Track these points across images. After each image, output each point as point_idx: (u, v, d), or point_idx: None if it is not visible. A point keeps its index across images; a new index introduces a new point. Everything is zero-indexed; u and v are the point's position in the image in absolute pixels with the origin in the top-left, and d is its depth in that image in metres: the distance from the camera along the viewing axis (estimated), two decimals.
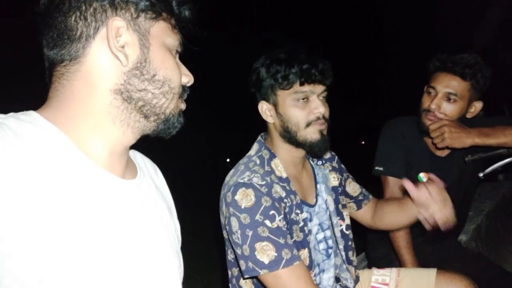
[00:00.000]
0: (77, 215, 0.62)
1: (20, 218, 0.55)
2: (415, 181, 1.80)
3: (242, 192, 1.13)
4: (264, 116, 1.31)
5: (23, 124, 0.62)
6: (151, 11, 0.71)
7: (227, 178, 1.24)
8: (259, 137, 1.38)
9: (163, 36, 0.74)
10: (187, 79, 0.81)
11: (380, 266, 1.92)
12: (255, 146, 1.34)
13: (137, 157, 0.89)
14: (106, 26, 0.67)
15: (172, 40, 0.76)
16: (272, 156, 1.30)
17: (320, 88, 1.24)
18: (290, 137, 1.26)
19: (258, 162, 1.26)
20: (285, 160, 1.31)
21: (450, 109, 1.62)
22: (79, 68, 0.68)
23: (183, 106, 0.81)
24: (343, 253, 1.39)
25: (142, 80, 0.71)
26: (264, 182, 1.16)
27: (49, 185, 0.60)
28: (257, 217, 1.11)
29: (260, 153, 1.30)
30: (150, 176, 0.87)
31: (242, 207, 1.12)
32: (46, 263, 0.57)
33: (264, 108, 1.30)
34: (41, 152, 0.61)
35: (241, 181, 1.15)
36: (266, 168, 1.25)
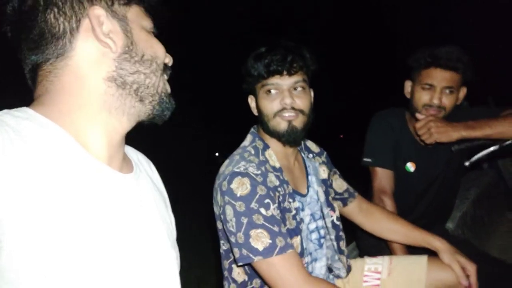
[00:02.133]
0: (78, 210, 0.62)
1: (23, 213, 0.56)
2: (403, 171, 1.85)
3: (238, 181, 1.15)
4: (252, 109, 1.37)
5: (20, 120, 0.62)
6: None
7: (222, 168, 1.25)
8: (252, 129, 1.40)
9: (139, 19, 0.76)
10: (169, 58, 0.83)
11: (371, 255, 1.96)
12: (249, 137, 1.37)
13: (130, 151, 0.89)
14: (87, 17, 0.68)
15: (147, 22, 0.78)
16: (266, 146, 1.32)
17: (288, 80, 1.26)
18: (264, 128, 1.31)
19: (252, 152, 1.28)
20: (276, 151, 1.33)
21: (449, 101, 1.69)
22: (68, 63, 0.68)
23: (168, 87, 0.83)
24: (335, 243, 1.42)
25: (133, 62, 0.72)
26: (259, 172, 1.18)
27: (51, 181, 0.60)
28: (252, 204, 1.12)
29: (254, 143, 1.32)
30: (145, 170, 0.88)
31: (238, 195, 1.13)
32: (49, 258, 0.57)
33: (250, 101, 1.37)
34: (41, 148, 0.61)
35: (237, 170, 1.17)
36: (261, 157, 1.27)
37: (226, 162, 1.27)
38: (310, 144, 1.55)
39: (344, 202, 1.60)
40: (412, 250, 1.73)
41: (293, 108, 1.25)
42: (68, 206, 0.61)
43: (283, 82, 1.26)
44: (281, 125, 1.27)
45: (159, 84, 0.78)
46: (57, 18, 0.66)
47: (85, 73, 0.69)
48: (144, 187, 0.81)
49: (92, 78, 0.69)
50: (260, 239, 1.10)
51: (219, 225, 1.28)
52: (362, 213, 1.62)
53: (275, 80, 1.26)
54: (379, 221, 1.59)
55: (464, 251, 1.52)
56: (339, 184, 1.59)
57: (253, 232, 1.11)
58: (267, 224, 1.12)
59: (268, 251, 1.09)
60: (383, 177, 1.81)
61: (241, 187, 1.14)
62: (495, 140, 1.60)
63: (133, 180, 0.78)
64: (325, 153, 1.58)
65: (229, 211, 1.14)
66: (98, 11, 0.69)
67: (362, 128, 1.98)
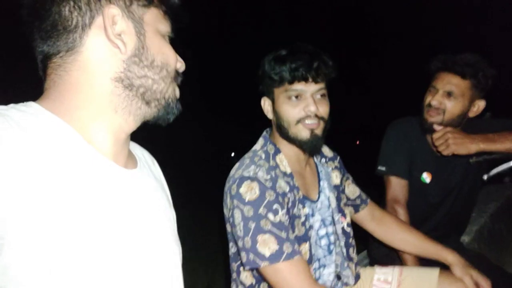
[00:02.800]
0: (83, 205, 0.62)
1: (27, 210, 0.55)
2: (418, 181, 1.82)
3: (247, 185, 1.15)
4: (265, 112, 1.35)
5: (26, 115, 0.62)
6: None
7: (232, 171, 1.26)
8: (264, 132, 1.40)
9: (156, 22, 0.75)
10: (180, 64, 0.82)
11: (382, 264, 1.94)
12: (260, 141, 1.36)
13: (135, 148, 0.90)
14: (102, 14, 0.67)
15: (164, 26, 0.78)
16: (277, 151, 1.31)
17: (313, 86, 1.24)
18: (283, 134, 1.29)
19: (263, 156, 1.28)
20: (289, 155, 1.32)
21: (450, 105, 1.65)
22: (77, 58, 0.68)
23: (177, 92, 0.82)
24: (344, 250, 1.40)
25: (141, 66, 0.72)
26: (269, 177, 1.18)
27: (55, 176, 0.60)
28: (261, 210, 1.12)
29: (265, 148, 1.32)
30: (149, 166, 0.89)
31: (246, 200, 1.13)
32: (54, 254, 0.57)
33: (266, 104, 1.35)
34: (46, 143, 0.61)
35: (246, 174, 1.17)
36: (271, 162, 1.27)
37: (237, 165, 1.28)
38: (324, 148, 1.54)
39: (356, 209, 1.58)
40: (424, 262, 1.70)
41: (316, 116, 1.24)
42: (73, 201, 0.61)
43: (308, 88, 1.24)
44: (302, 132, 1.25)
45: (167, 90, 0.78)
46: (71, 12, 0.66)
47: (93, 70, 0.68)
48: (148, 183, 0.82)
49: (99, 77, 0.69)
50: (267, 245, 1.10)
51: (228, 227, 1.29)
52: (374, 220, 1.60)
53: (300, 86, 1.23)
54: (391, 230, 1.57)
55: (478, 265, 1.49)
56: (352, 190, 1.57)
57: (260, 238, 1.11)
58: (274, 230, 1.12)
59: (274, 257, 1.09)
60: (397, 186, 1.78)
61: (249, 191, 1.14)
62: None
63: (137, 176, 0.78)
64: (338, 158, 1.57)
65: (237, 215, 1.15)
66: (113, 10, 0.68)
67: (379, 134, 1.96)
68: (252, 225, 1.12)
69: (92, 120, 0.69)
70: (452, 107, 1.65)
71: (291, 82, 1.23)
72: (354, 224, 1.60)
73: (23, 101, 0.67)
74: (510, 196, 3.49)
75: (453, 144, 1.54)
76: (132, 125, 0.76)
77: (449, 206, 1.84)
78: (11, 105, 0.64)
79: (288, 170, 1.29)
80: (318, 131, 1.26)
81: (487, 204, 3.18)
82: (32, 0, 0.68)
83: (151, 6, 0.74)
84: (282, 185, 1.21)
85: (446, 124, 1.67)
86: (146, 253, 0.73)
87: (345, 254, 1.41)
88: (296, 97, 1.24)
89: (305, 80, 1.22)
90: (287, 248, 1.11)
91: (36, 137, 0.60)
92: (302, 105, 1.24)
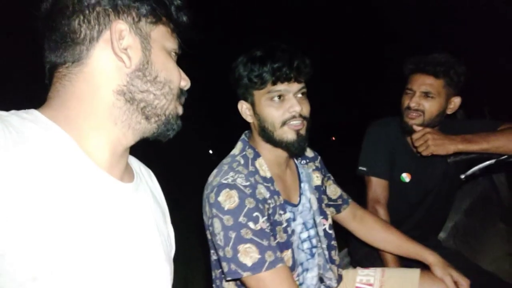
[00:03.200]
0: (73, 215, 0.62)
1: (16, 216, 0.56)
2: (398, 181, 1.84)
3: (225, 193, 1.12)
4: (244, 116, 1.30)
5: (26, 122, 0.63)
6: (151, 16, 0.74)
7: (210, 178, 1.22)
8: (243, 136, 1.36)
9: (163, 39, 0.77)
10: (185, 82, 0.83)
11: (363, 264, 1.94)
12: (239, 145, 1.33)
13: (133, 162, 0.90)
14: (109, 29, 0.69)
15: (171, 43, 0.79)
16: (257, 155, 1.28)
17: (295, 86, 1.21)
18: (267, 137, 1.25)
19: (242, 162, 1.24)
20: (269, 159, 1.29)
21: (428, 105, 1.69)
22: (82, 70, 0.69)
23: (180, 109, 0.83)
24: (326, 252, 1.39)
25: (144, 81, 0.73)
26: (248, 183, 1.15)
27: (48, 185, 0.60)
28: (241, 218, 1.09)
29: (244, 152, 1.28)
30: (146, 181, 0.89)
31: (225, 208, 1.10)
32: (40, 262, 0.57)
33: (244, 108, 1.29)
34: (43, 151, 0.62)
35: (225, 182, 1.14)
36: (250, 168, 1.23)
37: (215, 171, 1.24)
38: None
39: (338, 209, 1.58)
40: (405, 262, 1.72)
41: (300, 116, 1.21)
42: (62, 210, 0.61)
43: (291, 88, 1.20)
44: (288, 135, 1.22)
45: (168, 107, 0.78)
46: (80, 25, 0.68)
47: (97, 82, 0.70)
48: (142, 198, 0.82)
49: (102, 88, 0.70)
50: (248, 254, 1.07)
51: (208, 235, 1.25)
52: (355, 220, 1.60)
53: (283, 86, 1.19)
54: (372, 230, 1.57)
55: (456, 263, 1.51)
56: (333, 190, 1.56)
57: (241, 247, 1.08)
58: (255, 239, 1.09)
59: (257, 267, 1.07)
60: (377, 186, 1.80)
61: (228, 200, 1.11)
62: (492, 154, 1.59)
63: (132, 190, 0.78)
64: (319, 158, 1.55)
65: (217, 224, 1.11)
66: (121, 26, 0.70)
67: (356, 129, 1.97)
68: (233, 235, 1.08)
69: (91, 131, 0.70)
70: (431, 107, 1.68)
71: (274, 82, 1.19)
72: (334, 222, 1.59)
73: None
74: (482, 191, 3.60)
75: (432, 144, 1.57)
76: (130, 139, 0.76)
77: (428, 206, 1.87)
78: (13, 111, 0.65)
79: (268, 175, 1.26)
80: (303, 132, 1.24)
81: (461, 200, 3.26)
82: (46, 13, 0.70)
83: (159, 23, 0.76)
84: (262, 191, 1.18)
85: (427, 124, 1.69)
86: (133, 267, 0.72)
87: (327, 256, 1.40)
88: (279, 97, 1.21)
89: (288, 80, 1.19)
90: (269, 256, 1.08)
91: (34, 144, 0.61)
92: (286, 106, 1.21)
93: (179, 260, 1.00)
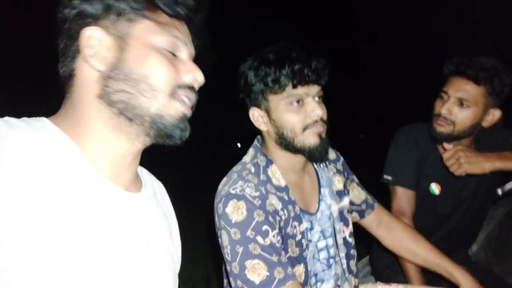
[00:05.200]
0: (71, 222, 0.63)
1: (15, 221, 0.57)
2: (426, 192, 1.73)
3: (233, 205, 1.07)
4: (256, 124, 1.22)
5: (33, 128, 0.65)
6: (130, 13, 0.72)
7: (220, 186, 1.17)
8: (255, 141, 1.29)
9: (148, 34, 0.73)
10: (190, 78, 0.76)
11: (384, 276, 1.86)
12: (251, 152, 1.26)
13: (144, 173, 0.90)
14: (79, 38, 0.71)
15: (162, 36, 0.73)
16: (269, 162, 1.21)
17: (315, 88, 1.14)
18: (287, 144, 1.17)
19: (253, 170, 1.18)
20: (284, 166, 1.22)
21: (461, 115, 1.53)
22: (74, 81, 0.73)
23: (180, 107, 0.74)
24: (344, 261, 1.32)
25: (117, 80, 0.71)
26: (258, 193, 1.10)
27: (49, 191, 0.62)
28: (248, 233, 1.04)
29: (255, 160, 1.22)
30: (154, 193, 0.87)
31: (233, 221, 1.05)
32: (35, 268, 0.58)
33: (256, 115, 1.21)
34: (47, 157, 0.64)
35: (233, 192, 1.09)
36: (262, 177, 1.17)
37: (225, 179, 1.18)
38: None
39: (362, 214, 1.49)
40: (428, 275, 1.62)
41: (321, 120, 1.15)
42: (59, 216, 0.62)
43: (310, 92, 1.13)
44: (311, 139, 1.14)
45: (151, 105, 0.71)
46: (65, 41, 0.73)
47: (83, 91, 0.72)
48: (147, 209, 0.80)
49: (88, 96, 0.72)
50: (256, 271, 1.03)
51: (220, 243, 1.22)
52: (381, 227, 1.50)
53: (303, 89, 1.12)
54: (399, 239, 1.47)
55: (486, 282, 1.42)
56: (357, 194, 1.47)
57: (248, 263, 1.03)
58: (264, 254, 1.04)
59: (265, 285, 1.02)
60: (403, 197, 1.70)
61: (236, 211, 1.06)
62: None
63: (136, 201, 0.77)
64: (341, 159, 1.46)
65: (224, 237, 1.07)
66: (89, 32, 0.70)
67: (385, 127, 1.85)
68: (240, 250, 1.04)
69: (92, 138, 0.72)
70: (464, 117, 1.53)
71: (295, 86, 1.11)
72: (357, 228, 1.51)
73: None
74: None
75: (466, 163, 1.44)
76: (125, 144, 0.74)
77: (458, 220, 1.76)
78: (23, 118, 0.68)
79: (283, 183, 1.19)
80: (324, 135, 1.17)
81: (494, 210, 3.10)
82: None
83: (140, 19, 0.72)
84: (274, 202, 1.13)
85: (457, 135, 1.56)
86: (131, 278, 0.71)
87: (345, 265, 1.33)
88: (298, 101, 1.14)
89: (308, 83, 1.12)
90: (278, 273, 1.03)
91: (39, 151, 0.63)
92: (306, 110, 1.14)
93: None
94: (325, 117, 1.17)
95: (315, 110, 1.13)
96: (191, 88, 0.76)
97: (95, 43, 0.71)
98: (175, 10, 0.74)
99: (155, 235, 0.80)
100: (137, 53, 0.71)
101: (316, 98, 1.16)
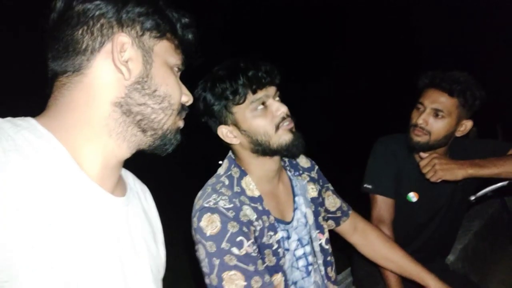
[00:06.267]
0: (58, 225, 0.61)
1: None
2: (405, 200, 1.77)
3: (207, 218, 1.08)
4: (227, 140, 1.22)
5: (20, 129, 0.63)
6: (156, 31, 0.74)
7: (195, 200, 1.17)
8: (230, 153, 1.30)
9: (166, 54, 0.77)
10: (187, 98, 0.83)
11: (365, 285, 1.88)
12: (225, 164, 1.27)
13: (129, 177, 0.89)
14: (111, 41, 0.70)
15: (174, 59, 0.79)
16: (243, 174, 1.22)
17: (272, 89, 1.17)
18: (263, 149, 1.18)
19: (226, 182, 1.19)
20: (258, 176, 1.23)
21: (437, 125, 1.61)
22: (81, 79, 0.70)
23: (181, 123, 0.83)
24: (322, 268, 1.33)
25: (143, 94, 0.73)
26: (231, 205, 1.11)
27: (36, 193, 0.60)
28: (223, 244, 1.05)
29: (229, 172, 1.23)
30: (139, 198, 0.87)
31: (208, 234, 1.06)
32: (19, 270, 0.56)
33: (225, 132, 1.20)
34: (34, 159, 0.61)
35: (207, 205, 1.10)
36: (236, 188, 1.18)
37: (200, 193, 1.19)
38: (300, 158, 1.45)
39: (337, 222, 1.49)
40: (409, 284, 1.65)
41: (287, 116, 1.17)
42: (46, 219, 0.60)
43: (270, 93, 1.16)
44: (285, 136, 1.16)
45: (167, 121, 0.78)
46: (83, 35, 0.69)
47: (95, 92, 0.70)
48: (132, 214, 0.80)
49: (100, 99, 0.70)
50: (233, 282, 1.03)
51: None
52: (357, 233, 1.51)
53: (263, 92, 1.14)
54: (374, 246, 1.49)
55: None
56: (332, 202, 1.48)
57: (225, 275, 1.04)
58: (240, 265, 1.05)
59: None
60: (382, 205, 1.73)
61: (210, 225, 1.06)
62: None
63: (122, 205, 0.77)
64: (316, 167, 1.48)
65: (201, 250, 1.08)
66: (123, 39, 0.70)
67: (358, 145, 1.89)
68: (216, 262, 1.04)
69: (85, 141, 0.70)
70: (439, 127, 1.61)
71: (254, 91, 1.14)
72: (338, 240, 1.52)
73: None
74: (493, 213, 3.50)
75: (440, 170, 1.50)
76: (125, 151, 0.75)
77: (436, 227, 1.81)
78: (8, 118, 0.65)
79: (257, 193, 1.20)
80: (295, 129, 1.19)
81: (471, 221, 3.17)
82: (52, 24, 0.71)
83: (163, 38, 0.76)
84: (248, 212, 1.13)
85: (432, 144, 1.63)
86: (118, 284, 0.70)
87: (323, 272, 1.33)
88: (261, 105, 1.16)
89: (265, 85, 1.15)
90: (255, 282, 1.04)
91: (24, 152, 0.61)
92: (271, 110, 1.16)
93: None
94: (289, 113, 1.19)
95: (280, 108, 1.16)
96: (185, 107, 0.84)
97: (126, 51, 0.71)
98: (186, 38, 0.80)
99: (140, 240, 0.80)
100: (161, 71, 0.75)
101: (277, 98, 1.19)
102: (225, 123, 1.20)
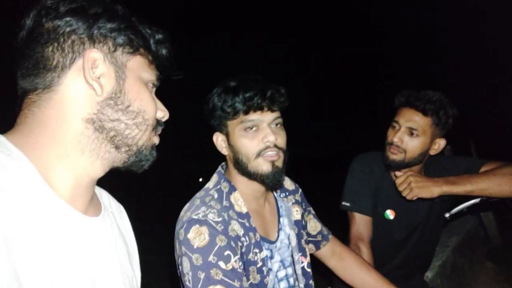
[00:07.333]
0: (23, 248, 0.58)
1: None
2: (382, 218, 1.79)
3: (195, 230, 1.05)
4: (219, 148, 1.25)
5: None
6: (128, 46, 0.73)
7: (182, 213, 1.16)
8: (220, 167, 1.30)
9: (140, 70, 0.76)
10: (162, 113, 0.82)
11: None
12: (214, 178, 1.27)
13: (103, 195, 0.87)
14: (82, 57, 0.68)
15: (149, 74, 0.78)
16: (232, 189, 1.22)
17: (269, 115, 1.17)
18: (242, 169, 1.19)
19: (216, 196, 1.18)
20: (246, 193, 1.23)
21: (412, 144, 1.65)
22: (52, 96, 0.68)
23: (156, 140, 0.82)
24: None
25: (116, 110, 0.72)
26: (220, 219, 1.09)
27: (7, 218, 0.57)
28: (210, 258, 1.03)
29: (219, 186, 1.22)
30: (114, 217, 0.85)
31: (195, 246, 1.03)
32: None
33: (219, 140, 1.24)
34: (1, 178, 0.59)
35: (195, 217, 1.08)
36: (224, 203, 1.17)
37: (187, 206, 1.18)
38: (285, 181, 1.45)
39: (317, 246, 1.50)
40: None
41: (275, 146, 1.16)
42: (14, 243, 0.57)
43: (264, 118, 1.16)
44: (263, 166, 1.16)
45: (141, 137, 0.76)
46: (54, 52, 0.68)
47: (66, 109, 0.68)
48: (107, 234, 0.78)
49: (71, 116, 0.69)
50: None
51: (179, 273, 1.18)
52: (334, 257, 1.52)
53: (256, 116, 1.15)
54: (350, 269, 1.49)
55: None
56: (313, 226, 1.49)
57: None
58: (226, 280, 1.02)
59: None
60: (361, 223, 1.74)
61: (198, 237, 1.04)
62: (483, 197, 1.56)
63: (96, 225, 0.75)
64: (300, 191, 1.49)
65: (186, 263, 1.04)
66: (94, 54, 0.69)
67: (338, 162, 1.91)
68: (202, 275, 1.02)
69: (57, 159, 0.68)
70: (414, 146, 1.65)
71: (246, 112, 1.15)
72: (318, 263, 1.52)
73: None
74: (469, 229, 3.56)
75: (416, 187, 1.53)
76: (98, 169, 0.74)
77: (414, 244, 1.82)
78: None
79: (244, 210, 1.20)
80: (279, 163, 1.18)
81: (449, 238, 3.20)
82: (22, 41, 0.70)
83: (136, 54, 0.75)
84: (236, 227, 1.12)
85: (408, 162, 1.66)
86: None
87: None
88: (252, 128, 1.16)
89: (261, 109, 1.15)
90: None
91: None
92: (260, 136, 1.16)
93: None
94: (280, 144, 1.19)
95: (268, 136, 1.15)
96: (161, 122, 0.83)
97: (98, 67, 0.70)
98: (160, 54, 0.79)
99: (114, 261, 0.77)
100: (135, 86, 0.74)
101: (273, 125, 1.19)
102: (220, 131, 1.23)
